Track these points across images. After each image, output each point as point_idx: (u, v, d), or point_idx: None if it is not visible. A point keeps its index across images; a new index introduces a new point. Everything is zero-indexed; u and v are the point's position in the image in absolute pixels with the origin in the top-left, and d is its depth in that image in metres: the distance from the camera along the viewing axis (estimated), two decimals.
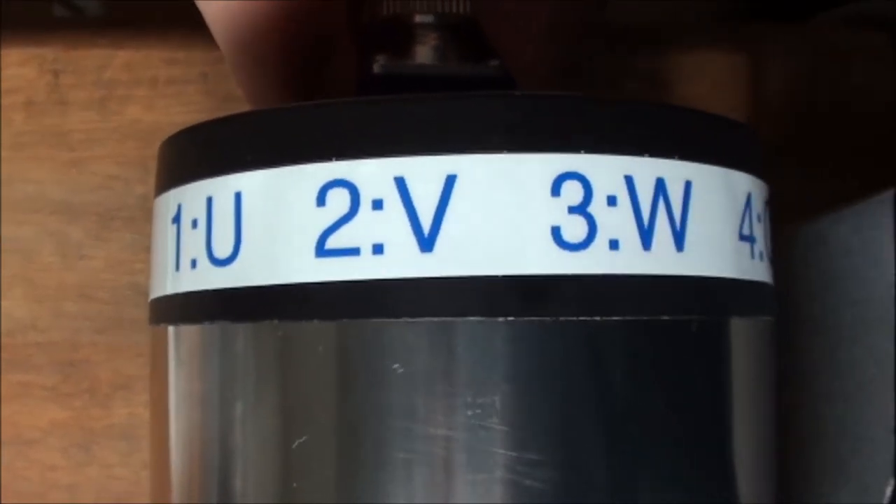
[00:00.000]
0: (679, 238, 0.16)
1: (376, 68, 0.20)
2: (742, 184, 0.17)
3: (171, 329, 0.18)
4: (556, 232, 0.15)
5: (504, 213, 0.15)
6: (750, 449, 0.18)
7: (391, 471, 0.15)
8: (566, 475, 0.15)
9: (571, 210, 0.15)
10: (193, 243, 0.17)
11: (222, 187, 0.16)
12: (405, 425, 0.15)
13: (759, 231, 0.17)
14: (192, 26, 0.21)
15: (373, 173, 0.15)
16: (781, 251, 0.27)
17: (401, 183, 0.15)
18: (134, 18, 0.30)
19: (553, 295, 0.15)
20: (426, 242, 0.15)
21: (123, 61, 0.29)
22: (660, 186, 0.16)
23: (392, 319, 0.15)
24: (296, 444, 0.16)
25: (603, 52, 0.26)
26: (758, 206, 0.17)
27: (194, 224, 0.17)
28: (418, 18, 0.21)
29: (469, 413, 0.15)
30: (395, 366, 0.15)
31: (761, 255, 0.17)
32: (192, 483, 0.17)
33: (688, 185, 0.16)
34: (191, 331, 0.17)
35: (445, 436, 0.15)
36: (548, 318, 0.15)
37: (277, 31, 0.19)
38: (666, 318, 0.16)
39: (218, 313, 0.17)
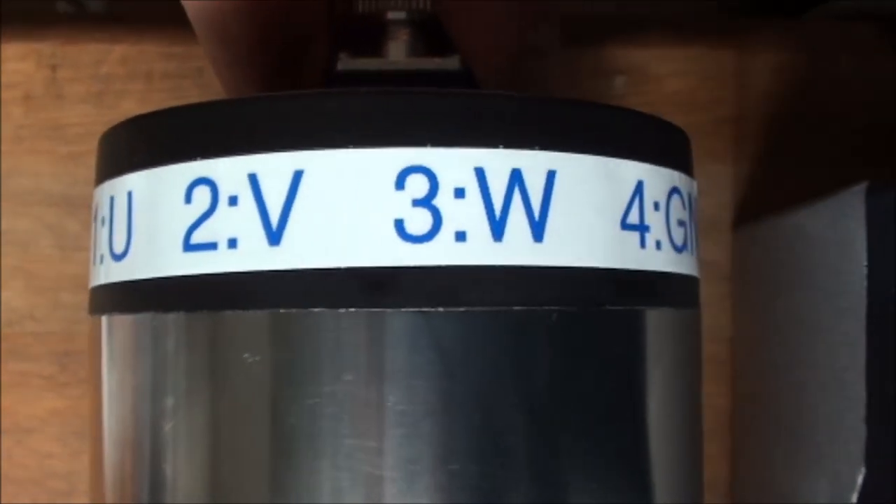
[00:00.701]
0: (538, 228, 0.16)
1: (339, 65, 0.20)
2: (628, 172, 0.17)
3: (95, 318, 0.19)
4: (399, 225, 0.15)
5: (349, 206, 0.15)
6: (633, 446, 0.18)
7: (247, 457, 0.16)
8: (406, 465, 0.16)
9: (416, 203, 0.15)
10: (103, 239, 0.18)
11: (119, 187, 0.17)
12: (258, 414, 0.16)
13: (658, 219, 0.17)
14: (188, 21, 0.21)
15: (228, 170, 0.16)
16: (761, 242, 0.27)
17: (253, 179, 0.16)
18: (131, 13, 0.31)
19: (396, 286, 0.15)
20: (274, 236, 0.16)
21: (119, 56, 0.30)
22: (515, 177, 0.16)
23: (241, 311, 0.16)
24: (168, 426, 0.17)
25: (560, 43, 0.27)
26: (654, 194, 0.17)
27: (103, 221, 0.18)
28: (390, 15, 0.21)
29: (311, 402, 0.15)
30: (246, 356, 0.16)
31: (658, 244, 0.17)
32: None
33: (550, 175, 0.16)
34: (102, 321, 0.18)
35: (292, 425, 0.16)
36: (389, 310, 0.15)
37: (253, 23, 0.19)
38: (519, 308, 0.16)
39: (116, 306, 0.18)
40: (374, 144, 0.16)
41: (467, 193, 0.16)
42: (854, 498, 0.20)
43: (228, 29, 0.20)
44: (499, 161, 0.16)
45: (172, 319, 0.16)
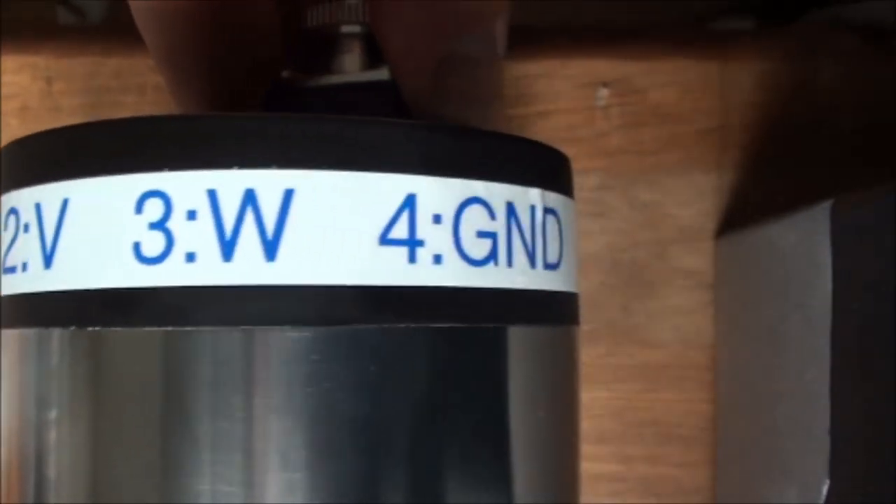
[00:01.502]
0: (270, 248, 0.16)
1: (283, 78, 0.21)
2: (395, 186, 0.17)
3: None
4: (136, 247, 0.16)
5: (92, 231, 0.16)
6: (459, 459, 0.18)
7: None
8: (280, 473, 0.16)
9: (152, 226, 0.16)
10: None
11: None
12: (134, 428, 0.17)
13: (438, 233, 0.17)
14: None
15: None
16: (740, 252, 0.28)
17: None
18: (131, 22, 0.31)
19: (136, 307, 0.16)
20: (47, 260, 0.17)
21: (113, 69, 0.30)
22: (249, 198, 0.16)
23: (116, 329, 0.17)
24: (52, 436, 0.17)
25: (498, 53, 0.27)
26: (434, 207, 0.17)
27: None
28: (344, 29, 0.22)
29: (184, 416, 0.16)
30: (123, 371, 0.17)
31: (438, 258, 0.17)
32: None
33: (288, 193, 0.16)
34: (11, 334, 0.18)
35: (167, 437, 0.16)
36: (119, 329, 0.16)
37: (196, 28, 0.20)
38: (249, 327, 0.16)
39: (32, 318, 0.18)
40: (119, 171, 0.16)
41: (199, 215, 0.16)
42: None
43: (173, 32, 0.20)
44: (232, 182, 0.16)
45: (57, 335, 0.17)
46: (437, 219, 0.17)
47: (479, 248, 0.17)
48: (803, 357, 0.22)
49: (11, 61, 0.31)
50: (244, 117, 0.17)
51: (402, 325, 0.17)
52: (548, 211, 0.19)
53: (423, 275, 0.17)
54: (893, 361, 0.19)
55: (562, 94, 0.30)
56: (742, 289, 0.27)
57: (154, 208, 0.16)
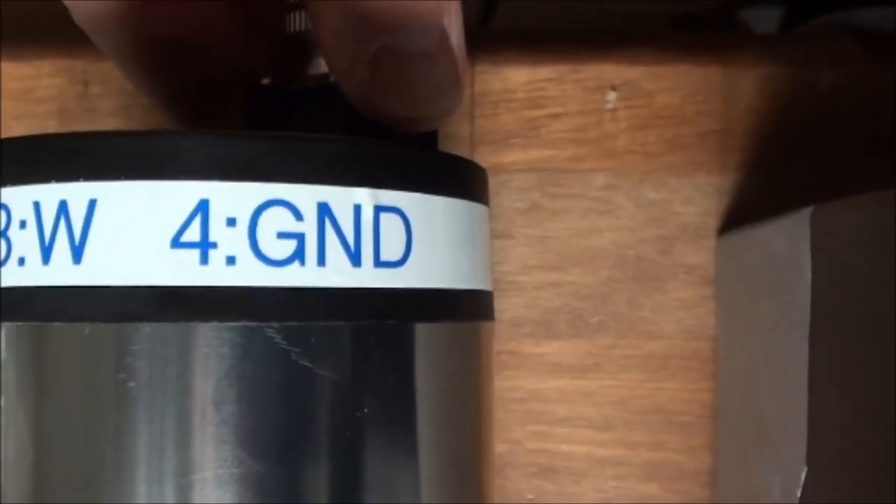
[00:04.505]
0: (77, 253, 0.18)
1: (263, 85, 0.23)
2: (187, 192, 0.18)
3: None
4: None
5: None
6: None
7: (66, 460, 0.18)
8: (214, 468, 0.18)
9: None
10: None
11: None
12: (76, 421, 0.18)
13: (231, 235, 0.18)
14: None
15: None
16: (737, 251, 0.29)
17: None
18: None
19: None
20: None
21: None
22: (61, 208, 0.18)
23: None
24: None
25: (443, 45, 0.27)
26: (227, 210, 0.18)
27: None
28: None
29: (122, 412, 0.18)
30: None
31: (231, 259, 0.18)
32: None
33: (91, 203, 0.18)
34: None
35: (106, 432, 0.18)
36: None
37: (124, 28, 0.21)
38: (105, 325, 0.18)
39: None
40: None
41: (27, 225, 0.18)
42: (798, 493, 0.22)
43: (111, 35, 0.21)
44: (50, 195, 0.18)
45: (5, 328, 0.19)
46: (231, 222, 0.18)
47: (281, 249, 0.18)
48: (787, 352, 0.23)
49: (49, 65, 0.32)
50: (57, 137, 0.19)
51: (193, 324, 0.18)
52: (384, 209, 0.19)
53: (215, 275, 0.18)
54: (863, 359, 0.20)
55: (572, 97, 0.31)
56: (739, 285, 0.29)
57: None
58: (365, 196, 0.19)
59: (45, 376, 0.18)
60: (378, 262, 0.19)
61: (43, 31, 0.32)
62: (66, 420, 0.18)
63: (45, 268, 0.18)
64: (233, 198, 0.18)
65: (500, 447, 0.31)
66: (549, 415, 0.32)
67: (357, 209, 0.19)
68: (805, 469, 0.22)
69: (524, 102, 0.31)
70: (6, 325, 0.18)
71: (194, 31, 0.22)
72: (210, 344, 0.18)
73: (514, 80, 0.31)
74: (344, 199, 0.19)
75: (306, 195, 0.18)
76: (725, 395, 0.30)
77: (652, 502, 0.31)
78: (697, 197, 0.31)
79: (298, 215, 0.18)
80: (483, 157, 0.31)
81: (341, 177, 0.19)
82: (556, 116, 0.31)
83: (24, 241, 0.18)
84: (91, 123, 0.32)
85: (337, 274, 0.18)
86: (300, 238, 0.18)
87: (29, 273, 0.18)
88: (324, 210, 0.18)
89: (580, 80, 0.31)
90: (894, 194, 0.20)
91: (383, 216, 0.19)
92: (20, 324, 0.18)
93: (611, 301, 0.31)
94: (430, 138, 0.25)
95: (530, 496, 0.32)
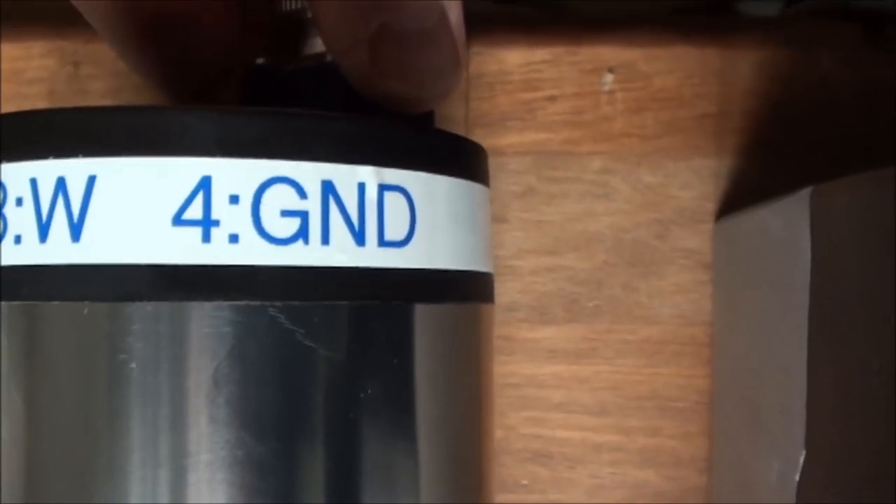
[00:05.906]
0: (76, 230, 0.18)
1: (259, 64, 0.23)
2: (189, 169, 0.18)
3: None
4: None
5: None
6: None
7: (59, 441, 0.18)
8: (212, 450, 0.18)
9: None
10: None
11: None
12: (71, 400, 0.18)
13: (234, 213, 0.18)
14: None
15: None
16: (734, 235, 0.29)
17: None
18: None
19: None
20: None
21: None
22: (59, 185, 0.18)
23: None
24: None
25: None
26: (230, 188, 0.18)
27: None
28: (310, 14, 0.23)
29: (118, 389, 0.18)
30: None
31: (234, 237, 0.18)
32: None
33: (91, 179, 0.18)
34: None
35: (101, 411, 0.18)
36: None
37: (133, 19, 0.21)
38: (104, 304, 0.18)
39: None
40: None
41: (24, 202, 0.18)
42: (797, 477, 0.22)
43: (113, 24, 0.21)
44: (47, 171, 0.18)
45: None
46: (234, 199, 0.18)
47: (285, 227, 0.18)
48: (785, 337, 0.23)
49: (39, 46, 0.32)
50: (56, 112, 0.19)
51: (194, 303, 0.17)
52: (388, 188, 0.19)
53: (217, 254, 0.18)
54: (863, 343, 0.20)
55: (568, 79, 0.31)
56: (736, 269, 0.29)
57: None
58: (369, 174, 0.19)
59: (43, 357, 0.18)
60: (382, 242, 0.19)
61: (35, 11, 0.32)
62: (64, 402, 0.18)
63: (43, 246, 0.18)
64: (236, 175, 0.18)
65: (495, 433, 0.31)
66: (544, 400, 0.31)
67: (361, 187, 0.18)
68: (804, 453, 0.22)
69: (520, 84, 0.31)
70: (3, 304, 0.18)
71: (190, 9, 0.22)
72: (212, 324, 0.17)
73: (509, 62, 0.31)
74: (348, 177, 0.18)
75: (310, 173, 0.18)
76: (722, 381, 0.30)
77: (647, 488, 0.31)
78: (694, 180, 0.31)
79: (302, 193, 0.18)
80: (478, 140, 0.31)
81: (346, 155, 0.18)
82: (552, 99, 0.31)
83: (21, 219, 0.18)
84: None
85: (341, 253, 0.18)
86: (304, 216, 0.18)
87: (26, 251, 0.18)
88: (328, 188, 0.18)
89: (576, 62, 0.31)
90: (894, 173, 0.20)
91: (387, 195, 0.19)
92: (17, 303, 0.18)
93: (607, 286, 0.31)
94: (428, 119, 0.25)
95: (525, 482, 0.31)
